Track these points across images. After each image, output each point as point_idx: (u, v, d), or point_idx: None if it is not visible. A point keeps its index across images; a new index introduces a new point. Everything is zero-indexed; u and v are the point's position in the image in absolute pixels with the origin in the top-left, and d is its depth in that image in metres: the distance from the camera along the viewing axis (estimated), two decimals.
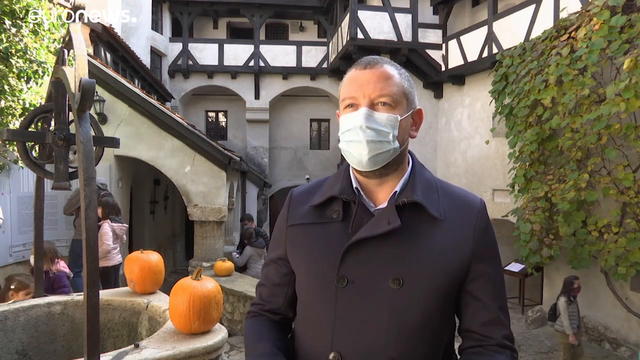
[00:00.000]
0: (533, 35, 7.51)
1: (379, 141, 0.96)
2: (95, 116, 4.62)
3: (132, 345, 1.83)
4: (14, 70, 4.23)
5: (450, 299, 1.00)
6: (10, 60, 4.19)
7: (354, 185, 1.05)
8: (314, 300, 1.04)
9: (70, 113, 1.90)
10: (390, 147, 0.98)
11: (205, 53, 13.78)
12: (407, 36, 10.35)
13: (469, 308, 1.02)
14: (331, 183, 1.09)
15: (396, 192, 1.02)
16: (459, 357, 1.06)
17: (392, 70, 1.01)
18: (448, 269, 0.97)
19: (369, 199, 1.05)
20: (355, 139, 0.97)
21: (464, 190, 1.09)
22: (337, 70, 12.52)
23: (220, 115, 15.38)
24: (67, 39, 2.07)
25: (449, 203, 1.03)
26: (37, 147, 2.72)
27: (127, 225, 5.60)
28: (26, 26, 4.29)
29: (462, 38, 9.65)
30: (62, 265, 3.90)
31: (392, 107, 0.98)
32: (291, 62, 13.89)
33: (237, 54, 13.80)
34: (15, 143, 2.65)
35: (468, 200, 1.05)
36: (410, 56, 10.38)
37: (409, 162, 1.07)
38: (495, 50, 8.54)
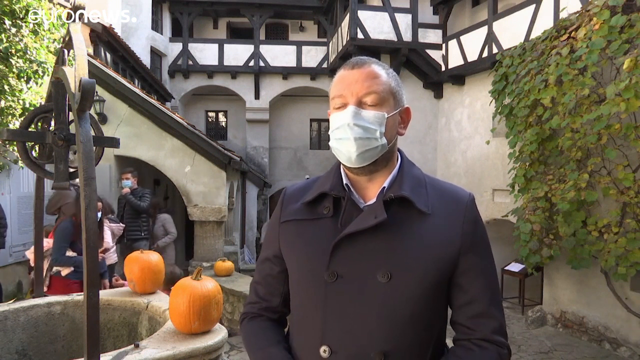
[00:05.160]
0: (533, 35, 7.50)
1: (366, 138, 0.99)
2: (95, 116, 4.62)
3: (132, 345, 1.83)
4: (14, 70, 4.24)
5: (441, 291, 1.01)
6: (10, 60, 4.20)
7: (344, 182, 1.07)
8: (306, 295, 1.06)
9: (70, 113, 1.90)
10: (378, 144, 1.00)
11: (205, 53, 13.78)
12: (407, 36, 10.34)
13: (458, 300, 1.03)
14: (323, 180, 1.12)
15: (384, 187, 1.03)
16: (451, 347, 1.08)
17: (379, 69, 1.04)
18: (436, 262, 0.98)
19: (359, 196, 1.07)
20: (344, 137, 1.00)
21: (453, 185, 1.11)
22: (337, 70, 12.49)
23: (220, 115, 15.38)
24: (67, 39, 2.08)
25: (438, 198, 1.05)
26: (37, 147, 2.72)
27: (124, 225, 5.60)
28: (26, 26, 4.30)
29: (462, 38, 9.64)
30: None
31: (379, 105, 1.01)
32: (291, 62, 13.88)
33: (237, 54, 13.79)
34: (15, 143, 2.65)
35: (456, 195, 1.07)
36: (410, 56, 10.38)
37: (397, 159, 1.10)
38: (495, 50, 8.53)
